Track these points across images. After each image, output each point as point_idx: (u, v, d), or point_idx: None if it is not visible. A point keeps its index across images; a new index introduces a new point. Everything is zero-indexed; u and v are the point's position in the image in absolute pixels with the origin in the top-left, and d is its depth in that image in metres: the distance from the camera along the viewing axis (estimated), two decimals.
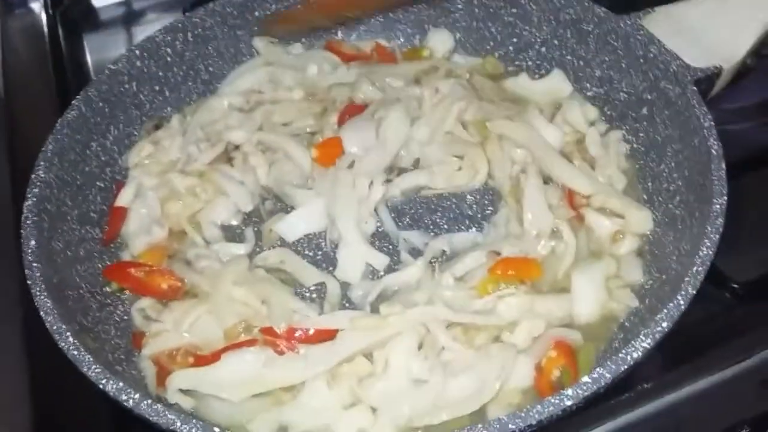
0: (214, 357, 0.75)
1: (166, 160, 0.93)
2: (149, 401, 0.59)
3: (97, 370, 0.62)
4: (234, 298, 0.79)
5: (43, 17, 1.27)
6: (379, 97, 0.99)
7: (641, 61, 0.90)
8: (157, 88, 0.98)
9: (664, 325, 0.63)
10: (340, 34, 1.11)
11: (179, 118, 0.99)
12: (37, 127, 0.98)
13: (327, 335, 0.76)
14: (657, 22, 0.94)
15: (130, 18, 1.32)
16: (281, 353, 0.74)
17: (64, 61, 1.24)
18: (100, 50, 1.25)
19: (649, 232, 0.84)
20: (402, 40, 1.11)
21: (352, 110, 0.97)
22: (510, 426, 0.57)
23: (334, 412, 0.71)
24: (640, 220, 0.85)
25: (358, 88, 1.00)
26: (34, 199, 0.77)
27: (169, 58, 0.99)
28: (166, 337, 0.78)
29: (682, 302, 0.65)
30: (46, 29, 1.28)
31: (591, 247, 0.84)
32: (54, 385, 0.80)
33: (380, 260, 0.85)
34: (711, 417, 0.81)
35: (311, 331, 0.76)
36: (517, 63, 1.06)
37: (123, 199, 0.88)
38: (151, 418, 0.59)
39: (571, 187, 0.87)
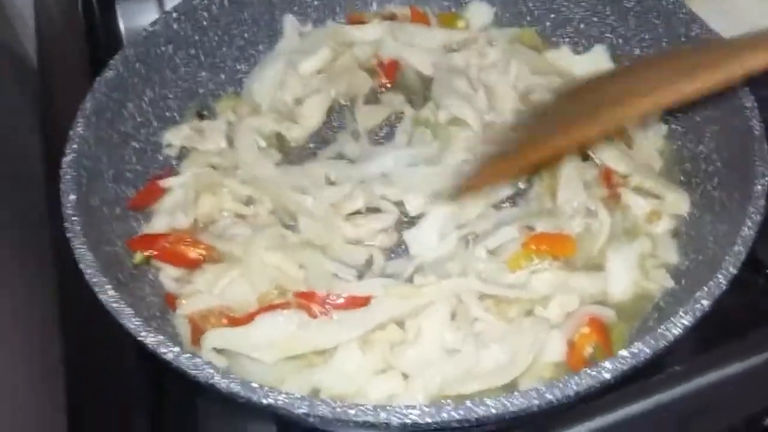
0: (247, 318, 0.75)
1: (204, 149, 0.93)
2: (188, 355, 0.60)
3: (137, 323, 0.62)
4: (267, 264, 0.79)
5: None
6: (407, 54, 0.99)
7: (683, 39, 0.89)
8: (192, 52, 0.98)
9: (705, 303, 0.63)
10: (374, 6, 1.10)
11: (222, 109, 0.99)
12: (69, 93, 0.98)
13: (361, 302, 0.76)
14: (699, 1, 0.93)
15: None
16: (314, 317, 0.75)
17: (97, 28, 1.24)
18: (132, 17, 1.25)
19: (685, 214, 0.84)
20: (436, 9, 1.10)
21: None
22: (547, 396, 0.57)
23: (366, 377, 0.71)
24: (677, 201, 0.84)
25: (383, 46, 1.00)
26: (74, 155, 0.77)
27: (204, 22, 0.98)
28: (200, 298, 0.78)
29: (723, 281, 0.64)
30: None
31: (626, 226, 0.84)
32: (87, 343, 0.81)
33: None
34: (740, 402, 0.81)
35: (345, 297, 0.76)
36: (554, 39, 1.04)
37: (170, 182, 0.88)
38: (189, 371, 0.59)
39: (608, 165, 0.87)
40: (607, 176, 0.86)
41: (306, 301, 0.75)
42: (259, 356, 0.72)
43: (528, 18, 1.06)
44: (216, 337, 0.73)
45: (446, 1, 1.10)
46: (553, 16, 1.04)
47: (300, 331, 0.73)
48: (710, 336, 0.84)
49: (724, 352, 0.79)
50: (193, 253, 0.81)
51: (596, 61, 0.99)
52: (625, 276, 0.78)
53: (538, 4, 1.05)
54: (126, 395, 0.78)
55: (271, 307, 0.75)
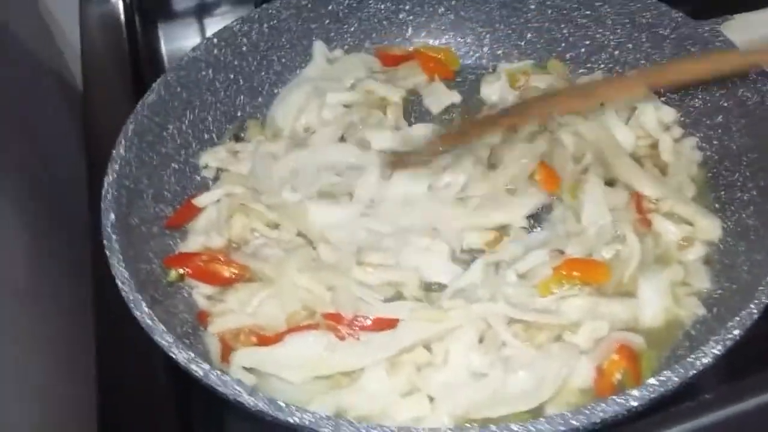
0: (277, 338, 0.77)
1: (237, 171, 0.95)
2: (218, 372, 0.61)
3: (169, 339, 0.64)
4: (297, 284, 0.80)
5: (121, 6, 1.32)
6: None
7: None
8: (231, 76, 1.01)
9: (736, 333, 0.62)
10: (410, 31, 1.12)
11: (253, 133, 1.01)
12: (112, 115, 1.01)
13: (388, 324, 0.76)
14: (736, 29, 0.93)
15: (203, 9, 1.35)
16: (342, 338, 0.76)
17: (140, 50, 1.28)
18: (174, 40, 1.29)
19: (717, 240, 0.83)
20: (471, 39, 1.12)
21: None
22: (572, 422, 0.57)
23: (392, 399, 0.72)
24: (709, 227, 0.83)
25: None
26: (115, 176, 0.80)
27: (244, 48, 1.01)
28: (231, 316, 0.80)
29: (755, 310, 0.63)
30: (123, 18, 1.32)
31: (657, 253, 0.83)
32: (119, 356, 0.83)
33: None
34: None
35: (372, 319, 0.77)
36: (588, 66, 1.05)
37: (202, 200, 0.90)
38: (218, 388, 0.60)
39: (638, 190, 0.86)
40: (638, 201, 0.85)
41: (334, 322, 0.76)
42: (287, 376, 0.73)
43: (563, 44, 1.07)
44: (246, 355, 0.74)
45: (480, 27, 1.11)
46: (587, 42, 1.05)
47: (328, 353, 0.74)
48: (742, 364, 0.82)
49: (756, 380, 0.78)
50: (227, 272, 0.83)
51: None
52: (656, 303, 0.78)
53: (572, 30, 1.06)
54: (156, 411, 0.79)
55: (300, 328, 0.77)
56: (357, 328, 0.76)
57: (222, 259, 0.84)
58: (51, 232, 1.12)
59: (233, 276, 0.83)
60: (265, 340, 0.77)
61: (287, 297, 0.80)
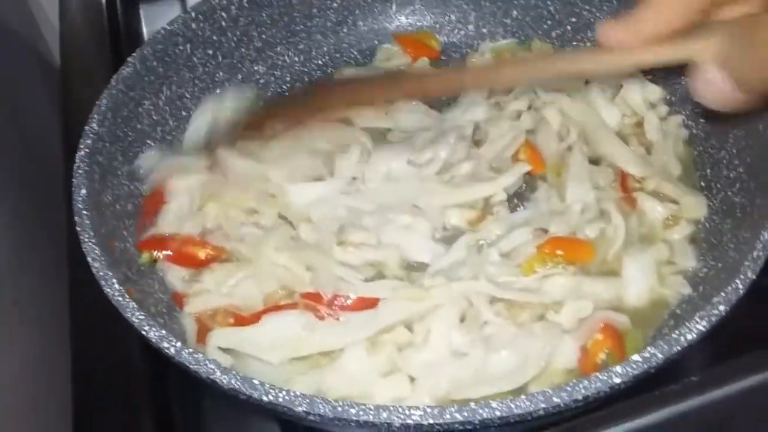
0: (254, 318, 0.75)
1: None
2: (190, 350, 0.59)
3: (140, 317, 0.62)
4: (276, 264, 0.79)
5: None
6: None
7: None
8: (210, 51, 0.98)
9: (721, 308, 0.61)
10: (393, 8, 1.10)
11: None
12: (90, 91, 0.99)
13: (368, 304, 0.75)
14: None
15: None
16: (321, 318, 0.74)
17: (120, 31, 1.25)
18: (156, 21, 1.26)
19: (703, 219, 0.81)
20: (456, 16, 1.10)
21: None
22: (555, 399, 0.55)
23: (372, 379, 0.70)
24: (694, 205, 0.82)
25: None
26: (86, 150, 0.77)
27: (223, 23, 0.99)
28: (207, 296, 0.78)
29: (740, 286, 0.62)
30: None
31: (642, 232, 0.82)
32: (93, 338, 0.81)
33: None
34: (759, 416, 0.78)
35: (352, 299, 0.75)
36: (575, 43, 1.03)
37: (173, 186, 0.85)
38: (191, 366, 0.59)
39: (624, 168, 0.85)
40: (623, 180, 0.84)
41: (313, 302, 0.74)
42: (265, 357, 0.71)
43: (549, 22, 1.05)
44: (222, 336, 0.73)
45: (465, 4, 1.09)
46: (573, 20, 1.03)
47: (306, 332, 0.72)
48: (730, 347, 0.81)
49: (743, 363, 0.77)
50: (202, 253, 0.81)
51: None
52: (641, 282, 0.76)
53: (558, 7, 1.04)
54: (132, 394, 0.77)
55: (277, 308, 0.75)
56: (337, 308, 0.74)
57: (197, 241, 0.81)
58: (31, 213, 1.10)
59: (208, 257, 0.81)
60: (242, 320, 0.75)
61: (265, 276, 0.78)
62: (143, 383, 0.79)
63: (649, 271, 0.77)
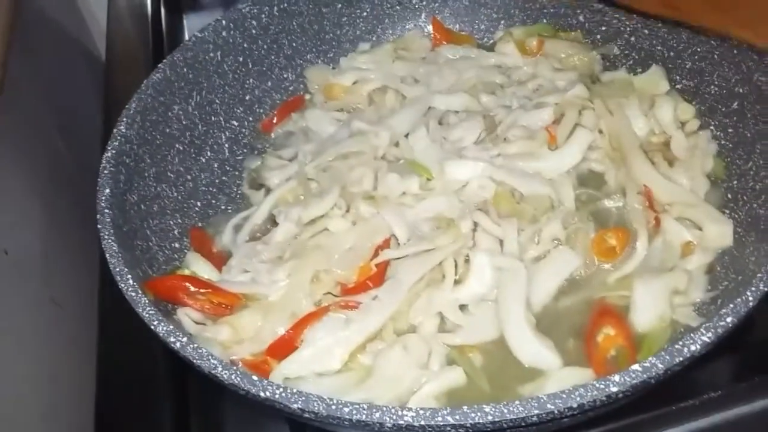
0: (294, 334, 0.73)
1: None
2: (195, 345, 0.61)
3: (150, 312, 0.64)
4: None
5: None
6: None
7: (735, 52, 0.85)
8: (240, 59, 1.01)
9: (729, 320, 0.59)
10: (423, 17, 1.11)
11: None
12: (131, 93, 1.03)
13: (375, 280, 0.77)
14: None
15: (228, 0, 1.36)
16: (355, 307, 0.74)
17: (164, 38, 1.30)
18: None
19: (730, 245, 0.78)
20: (485, 25, 1.10)
21: None
22: (548, 406, 0.55)
23: (413, 374, 0.71)
24: (719, 234, 0.79)
25: None
26: (113, 152, 0.80)
27: (254, 31, 1.01)
28: (249, 345, 0.74)
29: (750, 298, 0.60)
30: (149, 7, 1.35)
31: (662, 257, 0.79)
32: (119, 338, 0.85)
33: None
34: None
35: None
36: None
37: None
38: (194, 361, 0.60)
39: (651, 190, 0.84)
40: (648, 198, 0.83)
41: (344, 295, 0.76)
42: (323, 368, 0.71)
43: (579, 31, 1.05)
44: (283, 370, 0.71)
45: (495, 14, 1.10)
46: (603, 28, 1.02)
47: (347, 326, 0.73)
48: (752, 364, 0.79)
49: (762, 382, 0.75)
50: (217, 300, 0.77)
51: (652, 81, 0.96)
52: (651, 310, 0.74)
53: (588, 16, 1.03)
54: (152, 399, 0.80)
55: (308, 321, 0.74)
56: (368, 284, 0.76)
57: (209, 290, 0.77)
58: (69, 211, 1.14)
59: (221, 305, 0.77)
60: (282, 350, 0.73)
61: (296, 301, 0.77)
62: (164, 387, 0.81)
63: (662, 299, 0.74)
